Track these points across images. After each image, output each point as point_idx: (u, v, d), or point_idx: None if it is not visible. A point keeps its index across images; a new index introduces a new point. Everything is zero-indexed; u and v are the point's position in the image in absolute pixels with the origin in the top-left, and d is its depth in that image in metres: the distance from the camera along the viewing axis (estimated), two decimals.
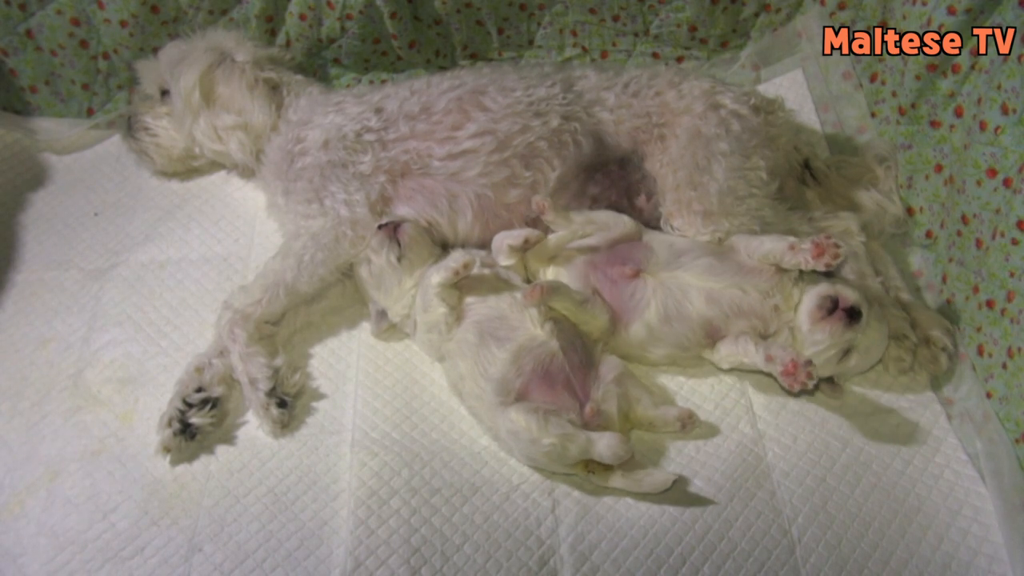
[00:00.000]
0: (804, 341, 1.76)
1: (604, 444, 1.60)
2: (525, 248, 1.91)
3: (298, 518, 1.68)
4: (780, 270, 1.81)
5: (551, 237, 1.91)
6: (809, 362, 1.66)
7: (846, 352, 1.76)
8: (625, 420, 1.74)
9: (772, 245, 1.81)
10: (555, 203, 1.91)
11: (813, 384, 1.67)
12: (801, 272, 1.82)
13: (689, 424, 1.75)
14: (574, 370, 1.72)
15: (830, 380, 1.85)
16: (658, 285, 1.82)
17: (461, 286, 1.82)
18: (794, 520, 1.67)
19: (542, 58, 2.57)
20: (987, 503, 1.70)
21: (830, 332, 1.74)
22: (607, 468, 1.67)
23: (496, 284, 1.85)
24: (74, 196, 2.37)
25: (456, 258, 1.80)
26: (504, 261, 1.93)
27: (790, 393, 1.84)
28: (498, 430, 1.70)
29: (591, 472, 1.67)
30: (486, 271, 1.87)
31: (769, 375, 1.78)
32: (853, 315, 1.73)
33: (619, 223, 1.93)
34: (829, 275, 1.88)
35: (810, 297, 1.77)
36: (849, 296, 1.74)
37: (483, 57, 2.58)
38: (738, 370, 1.88)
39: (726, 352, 1.79)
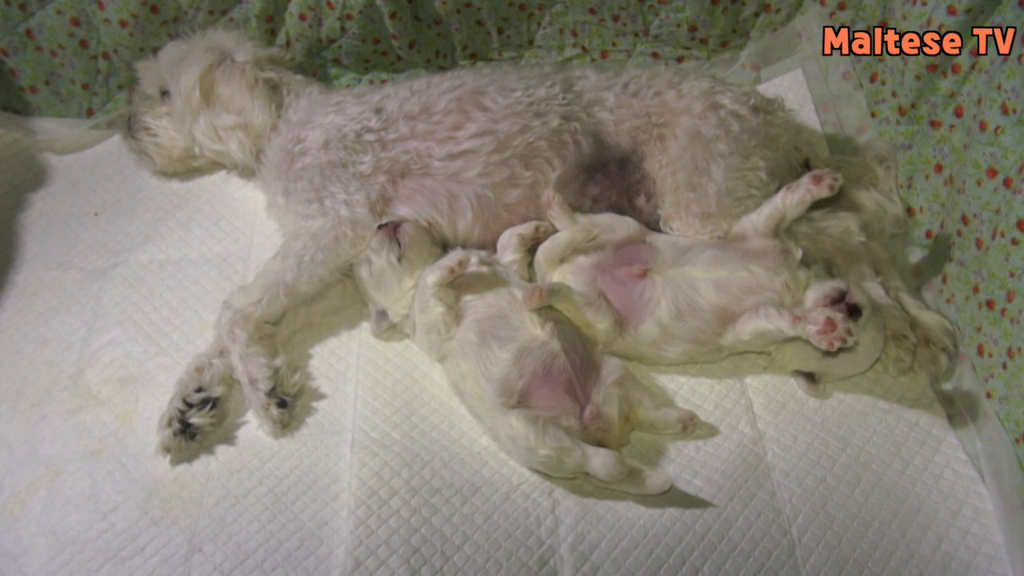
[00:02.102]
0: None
1: (599, 462, 1.60)
2: (536, 236, 1.92)
3: (298, 518, 1.68)
4: (783, 250, 1.82)
5: (561, 235, 1.91)
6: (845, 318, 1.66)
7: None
8: (626, 422, 1.74)
9: (769, 203, 1.84)
10: (563, 198, 1.92)
11: (854, 341, 1.64)
12: (806, 260, 1.83)
13: (691, 426, 1.75)
14: (575, 371, 1.72)
15: (811, 376, 1.86)
16: (666, 283, 1.83)
17: (458, 285, 1.82)
18: (794, 520, 1.67)
19: (542, 58, 2.57)
20: (987, 503, 1.70)
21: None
22: None
23: (495, 283, 1.84)
24: (74, 196, 2.37)
25: (451, 256, 1.80)
26: (511, 255, 1.93)
27: (811, 389, 1.86)
28: (498, 432, 1.70)
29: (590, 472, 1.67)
30: (484, 269, 1.87)
31: (777, 367, 1.78)
32: (853, 311, 1.73)
33: (622, 225, 1.94)
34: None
35: (821, 286, 1.78)
36: (857, 294, 1.75)
37: (483, 57, 2.58)
38: (751, 351, 1.88)
39: (746, 325, 1.77)
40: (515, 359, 1.71)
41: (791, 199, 1.81)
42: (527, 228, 1.96)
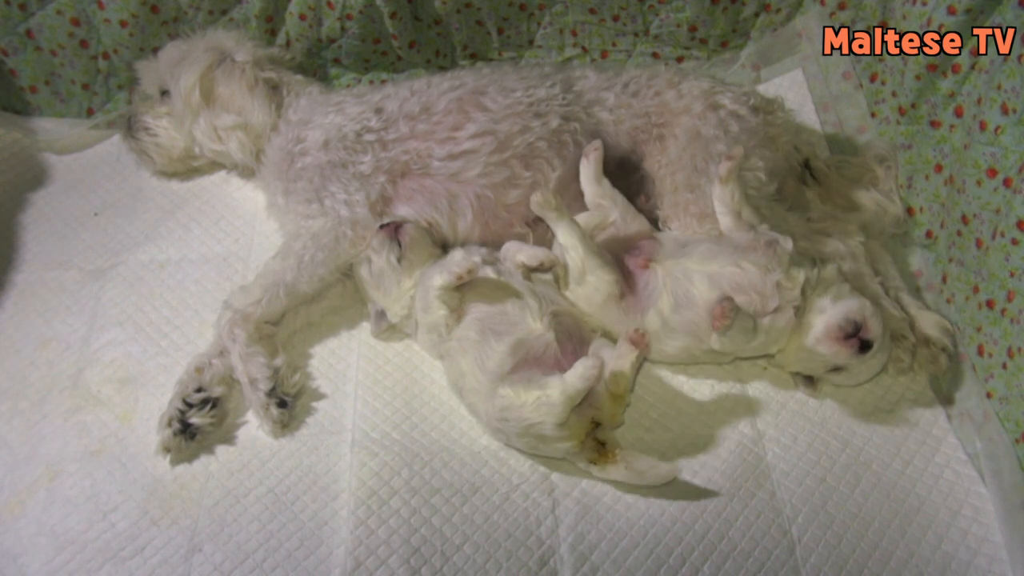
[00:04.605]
0: (806, 343, 1.76)
1: (574, 375, 1.59)
2: (539, 270, 1.89)
3: (298, 518, 1.68)
4: (768, 242, 1.80)
5: (579, 217, 1.92)
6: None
7: (838, 367, 1.78)
8: (617, 401, 1.70)
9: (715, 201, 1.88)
10: (601, 155, 1.94)
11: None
12: (804, 256, 1.83)
13: (639, 339, 1.69)
14: (565, 356, 1.73)
15: (810, 377, 1.86)
16: (667, 274, 1.82)
17: (462, 287, 1.82)
18: (794, 520, 1.67)
19: (542, 58, 2.57)
20: (987, 503, 1.70)
21: (835, 353, 1.74)
22: (609, 459, 1.67)
23: (498, 284, 1.84)
24: (74, 196, 2.37)
25: (459, 262, 1.78)
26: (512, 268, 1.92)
27: (808, 390, 1.87)
28: (493, 421, 1.70)
29: (592, 463, 1.67)
30: (488, 270, 1.86)
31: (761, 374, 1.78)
32: (865, 347, 1.73)
33: (636, 220, 1.93)
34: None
35: (837, 312, 1.75)
36: (872, 329, 1.73)
37: (483, 57, 2.58)
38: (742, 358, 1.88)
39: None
40: (511, 350, 1.71)
41: (720, 192, 1.83)
42: (532, 261, 1.86)
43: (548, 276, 1.89)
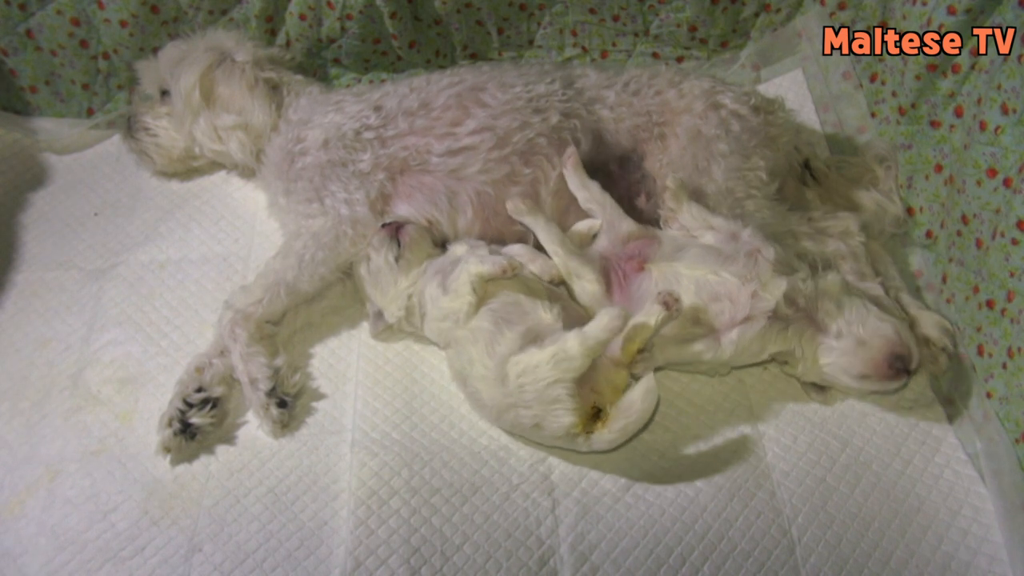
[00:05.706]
0: (844, 371, 1.76)
1: (596, 325, 1.60)
2: (549, 282, 1.91)
3: (298, 518, 1.68)
4: (749, 252, 1.79)
5: (580, 225, 1.94)
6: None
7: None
8: (614, 391, 1.71)
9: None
10: (579, 159, 1.96)
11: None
12: (804, 260, 1.83)
13: (672, 302, 1.67)
14: None
15: (821, 386, 1.86)
16: (660, 276, 1.82)
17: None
18: (794, 520, 1.67)
19: (542, 58, 2.57)
20: (987, 503, 1.70)
21: (884, 385, 1.77)
22: (604, 421, 1.66)
23: (521, 277, 1.84)
24: (74, 196, 2.37)
25: (509, 257, 1.78)
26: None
27: (819, 397, 1.87)
28: (501, 403, 1.68)
29: (590, 433, 1.65)
30: (528, 274, 1.87)
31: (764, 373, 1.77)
32: (912, 372, 1.76)
33: (624, 222, 1.92)
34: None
35: (878, 348, 1.74)
36: (915, 356, 1.75)
37: (483, 57, 2.58)
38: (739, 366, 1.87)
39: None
40: (521, 337, 1.70)
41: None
42: (544, 275, 1.90)
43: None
